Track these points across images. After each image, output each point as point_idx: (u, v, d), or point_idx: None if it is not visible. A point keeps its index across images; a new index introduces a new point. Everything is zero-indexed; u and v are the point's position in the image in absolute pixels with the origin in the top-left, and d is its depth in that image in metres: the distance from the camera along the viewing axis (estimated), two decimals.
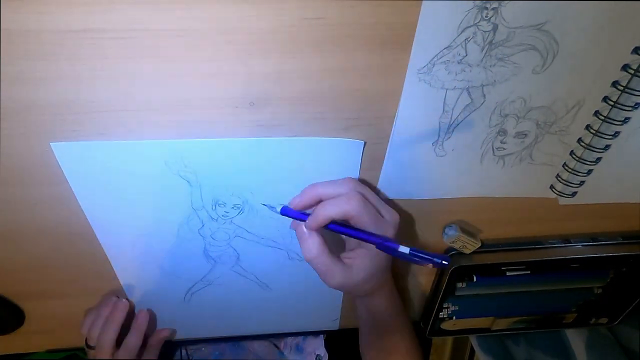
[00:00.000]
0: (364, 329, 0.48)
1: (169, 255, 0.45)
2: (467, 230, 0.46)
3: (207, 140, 0.36)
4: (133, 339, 0.49)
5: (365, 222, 0.35)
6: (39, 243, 0.42)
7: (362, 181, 0.40)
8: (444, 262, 0.32)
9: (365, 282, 0.39)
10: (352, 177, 0.39)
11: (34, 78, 0.31)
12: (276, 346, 0.64)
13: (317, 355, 0.63)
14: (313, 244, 0.35)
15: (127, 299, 0.49)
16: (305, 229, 0.35)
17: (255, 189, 0.40)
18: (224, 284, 0.49)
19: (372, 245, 0.35)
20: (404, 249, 0.33)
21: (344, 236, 0.40)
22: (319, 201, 0.36)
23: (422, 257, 0.32)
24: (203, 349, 0.62)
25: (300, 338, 0.64)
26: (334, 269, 0.36)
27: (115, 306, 0.48)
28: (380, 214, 0.37)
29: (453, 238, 0.45)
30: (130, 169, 0.37)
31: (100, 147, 0.35)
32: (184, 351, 0.61)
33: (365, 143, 0.38)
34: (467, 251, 0.46)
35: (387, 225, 0.37)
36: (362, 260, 0.37)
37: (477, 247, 0.45)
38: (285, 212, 0.36)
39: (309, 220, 0.35)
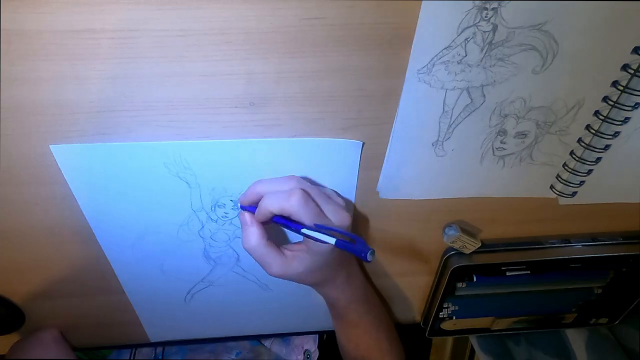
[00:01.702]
0: (334, 323, 0.50)
1: (169, 256, 0.45)
2: (467, 230, 0.46)
3: (206, 142, 0.36)
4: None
5: (303, 220, 0.35)
6: (39, 243, 0.42)
7: (308, 180, 0.40)
8: (366, 255, 0.32)
9: (307, 275, 0.40)
10: (351, 177, 0.39)
11: (34, 78, 0.31)
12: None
13: (306, 350, 0.62)
14: (252, 234, 0.37)
15: None
16: (247, 218, 0.37)
17: None
18: (224, 285, 0.49)
19: (314, 242, 0.36)
20: (329, 239, 0.33)
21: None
22: (260, 198, 0.36)
23: (346, 247, 0.33)
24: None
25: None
26: (271, 258, 0.37)
27: None
28: (324, 214, 0.36)
29: (453, 238, 0.45)
30: (130, 171, 0.37)
31: (100, 150, 0.35)
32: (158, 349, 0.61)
33: (363, 144, 0.38)
34: (467, 251, 0.46)
35: (329, 226, 0.37)
36: (301, 253, 0.38)
37: (477, 247, 0.45)
38: (243, 207, 0.38)
39: (256, 214, 0.37)
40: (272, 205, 0.35)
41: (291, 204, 0.34)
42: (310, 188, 0.37)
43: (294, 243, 0.40)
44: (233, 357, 0.60)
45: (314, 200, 0.36)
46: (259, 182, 0.37)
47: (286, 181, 0.36)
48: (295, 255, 0.38)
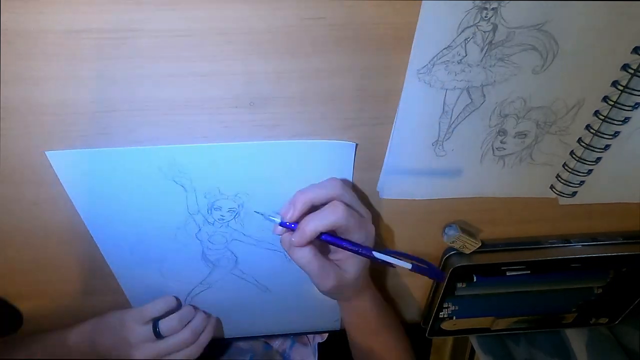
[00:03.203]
0: (354, 333, 0.48)
1: (167, 259, 0.45)
2: (467, 230, 0.46)
3: (200, 146, 0.36)
4: (189, 354, 0.47)
5: (351, 227, 0.35)
6: (37, 244, 0.42)
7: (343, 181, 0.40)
8: (438, 279, 0.33)
9: (355, 282, 0.39)
10: (346, 178, 0.40)
11: (34, 78, 0.31)
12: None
13: None
14: (303, 251, 0.36)
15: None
16: (287, 241, 0.36)
17: (249, 193, 0.40)
18: (223, 287, 0.49)
19: (359, 240, 0.36)
20: (405, 264, 0.34)
21: None
22: (312, 207, 0.36)
23: (420, 270, 0.34)
24: None
25: (287, 345, 0.63)
26: (328, 271, 0.37)
27: (195, 319, 0.48)
28: (360, 214, 0.37)
29: (453, 238, 0.45)
30: (125, 175, 0.37)
31: (95, 155, 0.35)
32: None
33: (357, 145, 0.37)
34: (467, 251, 0.46)
35: (366, 223, 0.37)
36: (351, 259, 0.38)
37: (477, 247, 0.45)
38: (284, 224, 0.37)
39: (295, 237, 0.35)
40: (319, 224, 0.34)
41: (338, 218, 0.34)
42: (345, 191, 0.36)
43: (335, 252, 0.40)
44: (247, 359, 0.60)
45: (352, 209, 0.36)
46: (304, 192, 0.36)
47: (330, 185, 0.36)
48: (343, 264, 0.38)
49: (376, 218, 0.45)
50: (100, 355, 0.45)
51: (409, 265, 0.34)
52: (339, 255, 0.38)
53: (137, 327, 0.45)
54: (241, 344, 0.61)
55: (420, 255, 0.49)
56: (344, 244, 0.36)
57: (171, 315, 0.46)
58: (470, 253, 0.47)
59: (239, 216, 0.42)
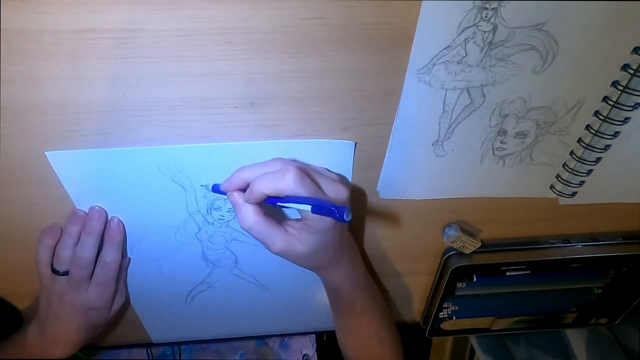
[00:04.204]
0: (334, 313, 0.48)
1: (168, 259, 0.45)
2: (467, 230, 0.46)
3: (199, 146, 0.36)
4: (110, 254, 0.40)
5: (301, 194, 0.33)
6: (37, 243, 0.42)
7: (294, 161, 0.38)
8: (343, 214, 0.30)
9: (311, 256, 0.38)
10: (345, 177, 0.39)
11: (34, 78, 0.31)
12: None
13: (305, 354, 0.62)
14: (247, 212, 0.35)
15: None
16: (237, 197, 0.35)
17: None
18: (224, 287, 0.49)
19: (312, 219, 0.34)
20: (304, 207, 0.32)
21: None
22: (247, 184, 0.35)
23: (322, 210, 0.31)
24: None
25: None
26: (274, 234, 0.36)
27: (90, 216, 0.39)
28: (322, 190, 0.35)
29: (453, 238, 0.45)
30: (125, 175, 0.37)
31: (94, 155, 0.35)
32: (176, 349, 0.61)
33: (356, 144, 0.37)
34: (467, 251, 0.46)
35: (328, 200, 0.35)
36: (303, 232, 0.36)
37: (477, 247, 0.45)
38: (215, 189, 0.37)
39: (246, 195, 0.34)
40: (265, 186, 0.33)
41: (287, 183, 0.32)
42: (301, 166, 0.35)
43: (292, 220, 0.38)
44: (238, 357, 0.60)
45: (309, 177, 0.34)
46: (244, 167, 0.35)
47: (273, 163, 0.35)
48: (297, 234, 0.36)
49: (376, 218, 0.45)
50: (47, 325, 0.43)
51: (308, 208, 0.31)
52: (297, 225, 0.37)
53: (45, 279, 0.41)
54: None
55: (420, 255, 0.49)
56: (279, 201, 0.34)
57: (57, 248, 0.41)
58: (470, 253, 0.47)
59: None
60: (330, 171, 0.39)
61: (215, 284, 0.49)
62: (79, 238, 0.39)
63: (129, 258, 0.45)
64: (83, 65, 0.30)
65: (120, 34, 0.29)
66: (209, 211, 0.41)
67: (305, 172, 0.34)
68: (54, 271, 0.40)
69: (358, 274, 0.45)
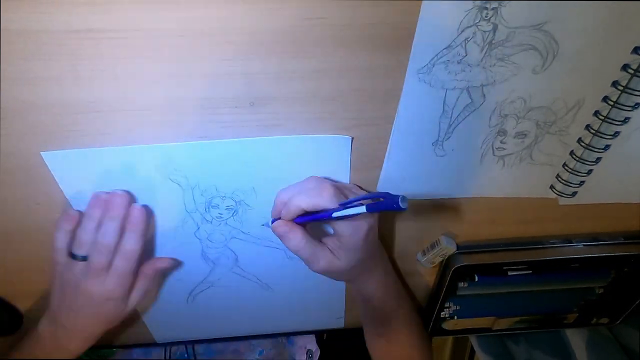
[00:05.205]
0: (364, 319, 0.49)
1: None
2: (434, 243, 0.47)
3: (195, 143, 0.36)
4: (131, 243, 0.38)
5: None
6: (37, 243, 0.42)
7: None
8: (398, 202, 0.29)
9: (350, 267, 0.39)
10: (343, 172, 0.40)
11: (34, 78, 0.31)
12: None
13: (308, 350, 0.63)
14: (295, 236, 0.36)
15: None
16: (281, 225, 0.36)
17: (246, 190, 0.40)
18: (225, 286, 0.49)
19: (346, 234, 0.36)
20: (360, 209, 0.32)
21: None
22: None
23: (378, 207, 0.31)
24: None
25: None
26: (318, 254, 0.37)
27: (110, 201, 0.37)
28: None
29: (430, 261, 0.47)
30: (121, 175, 0.37)
31: (90, 155, 0.35)
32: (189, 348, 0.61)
33: (352, 139, 0.37)
34: (450, 252, 0.47)
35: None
36: (343, 248, 0.38)
37: (454, 250, 0.46)
38: (274, 221, 0.38)
39: (283, 213, 0.36)
40: (303, 202, 0.35)
41: (324, 199, 0.34)
42: (334, 183, 0.37)
43: (327, 237, 0.39)
44: (256, 356, 0.61)
45: (343, 194, 0.36)
46: (281, 191, 0.37)
47: (308, 182, 0.37)
48: (336, 248, 0.38)
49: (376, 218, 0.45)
50: (62, 317, 0.41)
51: (363, 209, 0.31)
52: (333, 242, 0.38)
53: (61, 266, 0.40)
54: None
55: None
56: (307, 218, 0.36)
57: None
58: (471, 253, 0.47)
59: (237, 214, 0.42)
60: (362, 188, 0.41)
61: (216, 282, 0.49)
62: (101, 223, 0.38)
63: (172, 261, 0.44)
64: (83, 65, 0.30)
65: (120, 34, 0.29)
66: (207, 209, 0.41)
67: (339, 188, 0.36)
68: (73, 256, 0.38)
69: (390, 283, 0.46)
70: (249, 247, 0.45)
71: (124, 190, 0.38)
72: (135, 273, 0.41)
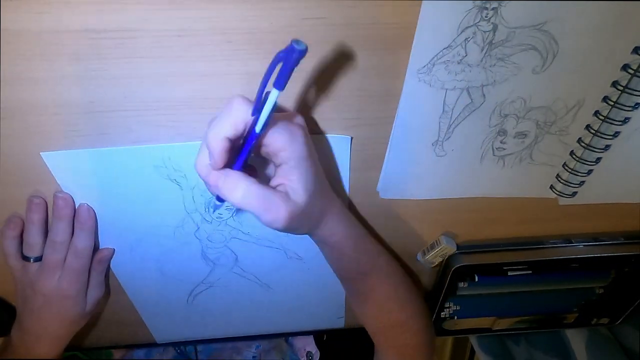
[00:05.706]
0: (340, 279, 0.44)
1: (168, 258, 0.46)
2: (431, 245, 0.47)
3: (195, 143, 0.36)
4: (81, 240, 0.39)
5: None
6: None
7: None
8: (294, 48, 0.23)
9: (309, 205, 0.32)
10: (343, 172, 0.39)
11: (34, 78, 0.31)
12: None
13: (308, 351, 0.63)
14: (234, 181, 0.28)
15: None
16: (216, 173, 0.29)
17: None
18: (225, 286, 0.49)
19: (285, 139, 0.29)
20: (273, 94, 0.26)
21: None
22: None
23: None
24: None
25: None
26: (271, 197, 0.29)
27: (57, 204, 0.38)
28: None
29: (430, 261, 0.47)
30: (121, 175, 0.37)
31: (90, 155, 0.35)
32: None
33: (352, 138, 0.37)
34: (450, 252, 0.47)
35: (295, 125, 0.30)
36: (293, 171, 0.30)
37: (454, 250, 0.46)
38: (218, 198, 0.33)
39: (211, 161, 0.28)
40: (217, 127, 0.27)
41: (235, 109, 0.27)
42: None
43: (274, 177, 0.32)
44: (253, 350, 0.61)
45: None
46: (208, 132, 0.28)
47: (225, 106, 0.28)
48: (288, 185, 0.31)
49: (376, 218, 0.45)
50: (25, 322, 0.42)
51: (275, 92, 0.25)
52: (279, 177, 0.31)
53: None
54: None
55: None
56: (240, 157, 0.29)
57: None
58: (471, 253, 0.47)
59: (237, 214, 0.42)
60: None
61: (216, 283, 0.49)
62: (44, 225, 0.39)
63: (113, 249, 0.44)
64: (83, 65, 0.30)
65: (120, 34, 0.29)
66: (207, 209, 0.41)
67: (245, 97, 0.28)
68: (25, 258, 0.40)
69: (351, 224, 0.39)
70: (249, 248, 0.45)
71: (65, 193, 0.38)
72: (94, 271, 0.42)
